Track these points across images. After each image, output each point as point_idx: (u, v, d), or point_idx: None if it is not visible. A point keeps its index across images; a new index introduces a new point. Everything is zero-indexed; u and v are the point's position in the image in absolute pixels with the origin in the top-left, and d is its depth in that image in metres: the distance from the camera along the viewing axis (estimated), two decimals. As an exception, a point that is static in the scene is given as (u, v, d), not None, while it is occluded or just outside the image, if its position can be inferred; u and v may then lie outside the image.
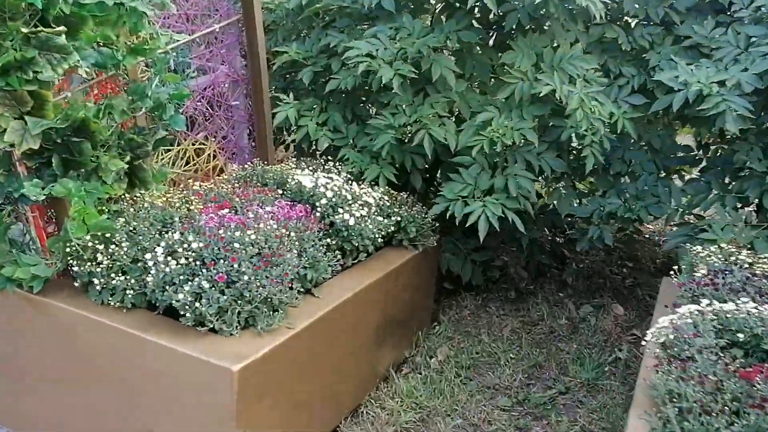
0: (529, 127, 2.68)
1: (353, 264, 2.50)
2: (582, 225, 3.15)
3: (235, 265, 1.92)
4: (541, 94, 2.60)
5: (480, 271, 3.29)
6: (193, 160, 2.81)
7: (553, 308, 3.33)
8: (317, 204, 2.42)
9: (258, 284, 1.93)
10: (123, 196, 2.26)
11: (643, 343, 1.84)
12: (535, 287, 3.51)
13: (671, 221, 2.88)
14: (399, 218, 2.64)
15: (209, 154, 2.87)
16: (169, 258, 1.93)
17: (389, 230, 2.59)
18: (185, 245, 1.96)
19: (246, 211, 2.23)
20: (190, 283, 1.89)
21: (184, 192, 2.37)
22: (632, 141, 3.02)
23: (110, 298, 2.01)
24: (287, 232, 2.16)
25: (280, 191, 2.52)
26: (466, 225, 2.62)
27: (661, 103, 2.71)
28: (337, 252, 2.38)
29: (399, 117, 2.77)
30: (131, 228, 2.09)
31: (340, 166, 2.83)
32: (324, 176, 2.54)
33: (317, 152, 3.11)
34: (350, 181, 2.69)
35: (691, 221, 2.88)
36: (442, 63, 2.76)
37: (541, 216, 3.43)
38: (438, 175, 3.31)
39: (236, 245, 1.97)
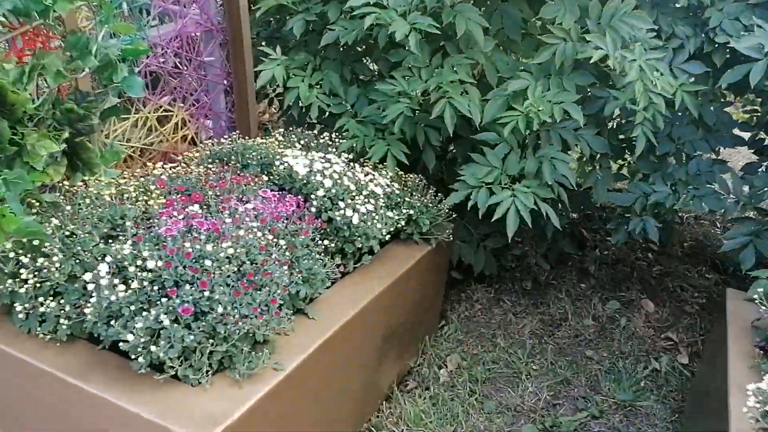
0: (572, 100, 2.18)
1: (355, 268, 2.03)
2: (618, 209, 2.70)
3: (206, 292, 1.44)
4: (591, 60, 2.10)
5: (493, 259, 2.85)
6: (156, 129, 2.26)
7: (576, 303, 2.91)
8: (312, 195, 1.93)
9: (237, 315, 1.46)
10: (61, 184, 1.75)
11: (744, 409, 1.42)
12: (554, 277, 3.09)
13: (729, 215, 2.44)
14: (411, 210, 2.16)
15: (177, 123, 2.33)
16: (116, 280, 1.45)
17: (399, 225, 2.12)
18: (139, 262, 1.47)
19: (221, 209, 1.73)
20: (145, 314, 1.42)
21: (141, 179, 1.85)
22: (680, 115, 2.55)
23: (39, 328, 1.52)
24: (275, 239, 1.67)
25: (265, 176, 2.01)
26: (492, 219, 2.16)
27: (733, 74, 2.22)
28: (336, 256, 1.92)
29: (414, 82, 2.24)
30: (67, 233, 1.58)
31: (338, 141, 2.32)
32: (320, 159, 2.03)
33: (310, 119, 2.58)
34: (351, 162, 2.19)
35: (754, 216, 2.44)
36: (468, 15, 2.22)
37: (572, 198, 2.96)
38: (451, 151, 2.79)
39: (207, 262, 1.49)
